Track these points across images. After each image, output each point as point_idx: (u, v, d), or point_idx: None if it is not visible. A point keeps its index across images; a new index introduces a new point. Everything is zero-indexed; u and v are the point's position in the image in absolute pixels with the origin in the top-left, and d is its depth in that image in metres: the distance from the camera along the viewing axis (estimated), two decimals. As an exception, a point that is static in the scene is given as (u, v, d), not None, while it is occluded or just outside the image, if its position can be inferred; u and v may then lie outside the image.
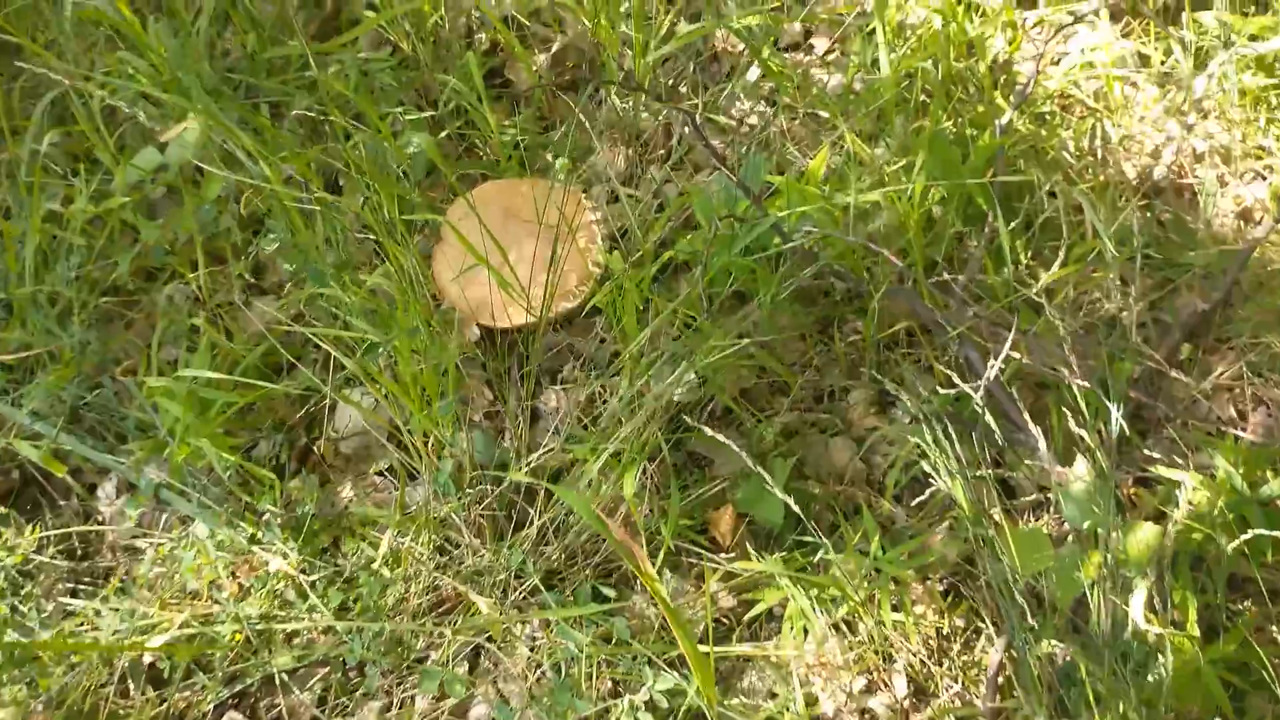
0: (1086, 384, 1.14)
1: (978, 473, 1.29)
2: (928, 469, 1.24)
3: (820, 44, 1.91)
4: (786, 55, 1.87)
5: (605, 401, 1.44)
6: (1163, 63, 1.70)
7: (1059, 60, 1.74)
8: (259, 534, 1.25)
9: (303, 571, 1.22)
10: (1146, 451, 1.33)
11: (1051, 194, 1.52)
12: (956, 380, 1.15)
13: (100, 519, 1.39)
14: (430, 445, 1.29)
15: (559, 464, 1.36)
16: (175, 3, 1.63)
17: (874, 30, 1.64)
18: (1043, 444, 1.14)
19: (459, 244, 1.44)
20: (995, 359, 1.15)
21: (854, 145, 1.33)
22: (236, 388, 1.25)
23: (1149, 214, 1.63)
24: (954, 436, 1.26)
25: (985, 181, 1.43)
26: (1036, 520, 1.37)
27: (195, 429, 1.21)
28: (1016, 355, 1.22)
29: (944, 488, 1.26)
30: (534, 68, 1.76)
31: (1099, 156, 1.70)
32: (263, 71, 1.68)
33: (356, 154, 1.41)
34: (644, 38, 1.64)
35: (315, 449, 1.40)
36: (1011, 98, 1.61)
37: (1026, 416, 1.16)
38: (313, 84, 1.73)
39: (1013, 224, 1.47)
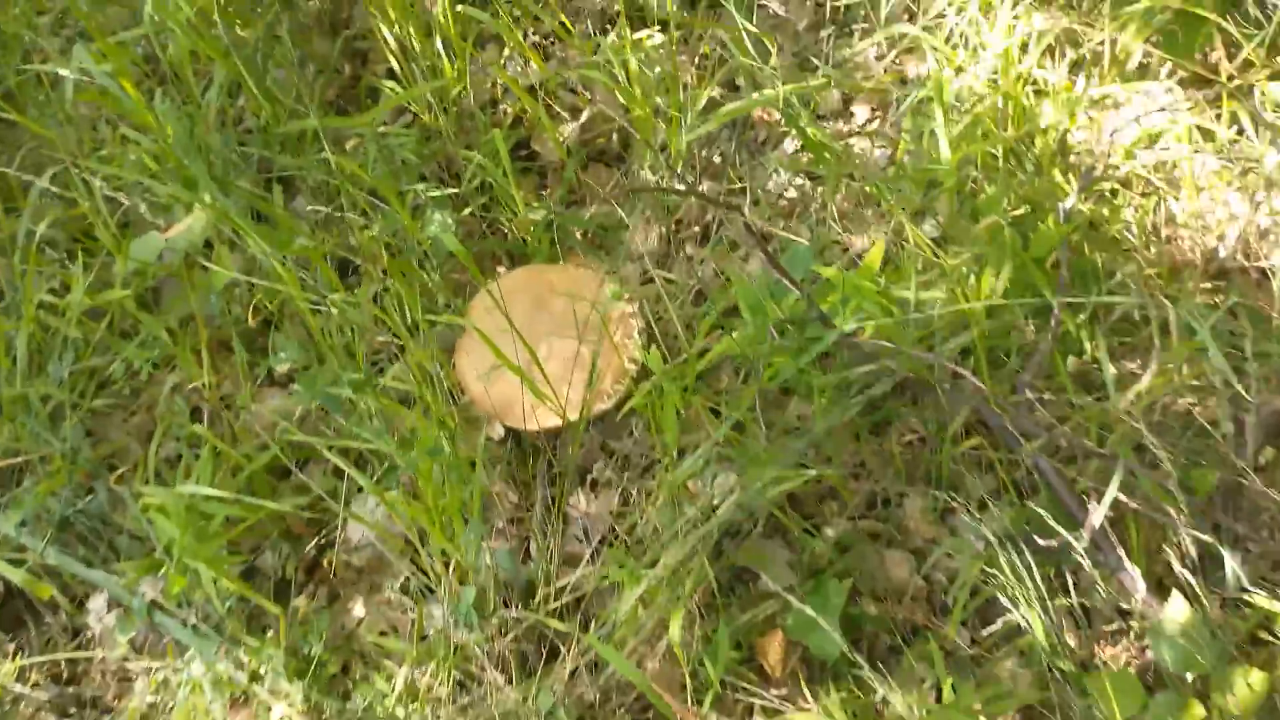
0: (1202, 535, 1.02)
1: (1056, 600, 1.18)
2: (1004, 600, 1.12)
3: (861, 112, 1.82)
4: (824, 124, 1.77)
5: (641, 510, 1.33)
6: (1235, 139, 1.59)
7: (1116, 132, 1.63)
8: (260, 667, 1.13)
9: (308, 717, 1.10)
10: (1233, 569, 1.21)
11: (1122, 283, 1.41)
12: (1052, 523, 1.03)
13: (90, 636, 1.27)
14: (452, 568, 1.17)
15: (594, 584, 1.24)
16: (184, 71, 1.54)
17: (920, 101, 1.54)
18: (1140, 584, 1.02)
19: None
20: (1099, 503, 1.04)
21: (913, 235, 1.22)
22: (239, 500, 1.14)
23: (1216, 300, 1.52)
24: (1031, 563, 1.15)
25: (1049, 270, 1.32)
26: (1114, 646, 1.25)
27: (193, 550, 1.10)
28: (1124, 499, 1.09)
29: (1023, 624, 1.14)
30: (561, 140, 1.67)
31: (1163, 237, 1.59)
32: (276, 145, 1.59)
33: (373, 242, 1.31)
34: (680, 114, 1.54)
35: (325, 562, 1.29)
36: (1074, 178, 1.50)
37: (1122, 553, 1.04)
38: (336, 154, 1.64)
39: (1080, 316, 1.36)
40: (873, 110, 1.82)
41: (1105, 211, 1.54)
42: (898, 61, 1.82)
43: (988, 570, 1.20)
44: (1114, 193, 1.58)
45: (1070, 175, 1.52)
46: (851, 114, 1.81)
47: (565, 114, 1.76)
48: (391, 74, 1.68)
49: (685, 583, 1.10)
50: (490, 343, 1.16)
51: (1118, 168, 1.55)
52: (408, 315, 1.21)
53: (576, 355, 1.28)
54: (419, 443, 1.04)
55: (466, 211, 1.60)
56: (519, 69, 1.79)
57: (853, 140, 1.74)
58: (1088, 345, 1.38)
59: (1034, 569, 1.15)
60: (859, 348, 1.22)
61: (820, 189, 1.66)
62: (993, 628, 1.19)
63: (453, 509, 1.11)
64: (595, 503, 1.37)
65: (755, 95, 1.54)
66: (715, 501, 1.16)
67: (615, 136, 1.75)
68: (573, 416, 1.25)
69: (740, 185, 1.65)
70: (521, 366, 1.25)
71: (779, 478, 1.13)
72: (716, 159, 1.73)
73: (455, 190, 1.57)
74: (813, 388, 1.21)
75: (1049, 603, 1.15)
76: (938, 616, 1.32)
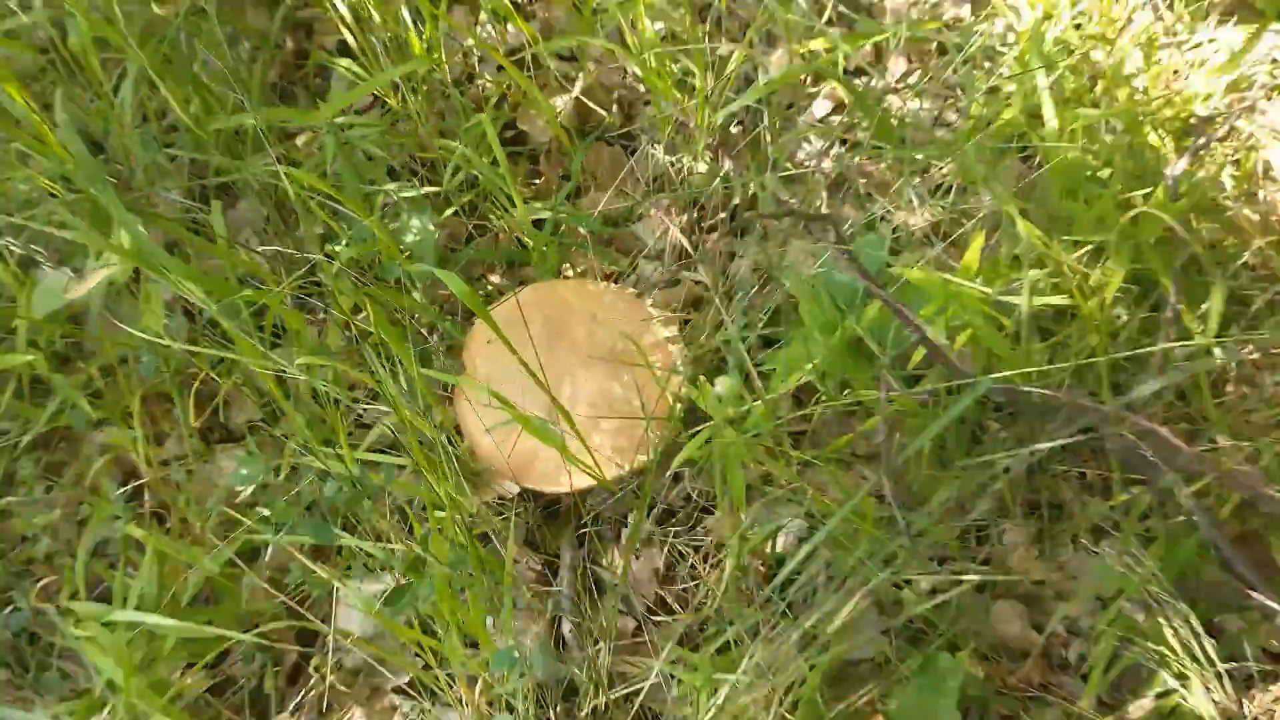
0: None
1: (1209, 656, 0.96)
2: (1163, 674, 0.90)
3: (896, 66, 1.56)
4: (854, 80, 1.52)
5: (695, 574, 1.09)
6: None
7: (1193, 70, 1.39)
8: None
9: None
10: None
11: (1245, 265, 1.18)
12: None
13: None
14: (478, 690, 0.93)
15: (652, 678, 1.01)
16: (90, 61, 1.25)
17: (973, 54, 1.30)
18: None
19: (488, 373, 1.08)
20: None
21: (1021, 224, 0.98)
22: (191, 627, 0.89)
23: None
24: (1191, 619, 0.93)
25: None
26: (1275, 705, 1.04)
27: (141, 691, 0.84)
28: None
29: (1188, 703, 0.93)
30: (555, 115, 1.40)
31: (1263, 198, 1.36)
32: (211, 144, 1.31)
33: (339, 277, 1.04)
34: (705, 83, 1.28)
35: (310, 667, 1.04)
36: (1168, 137, 1.27)
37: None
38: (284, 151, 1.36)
39: (1203, 308, 1.13)
40: (910, 62, 1.56)
41: (1201, 173, 1.31)
42: (934, 5, 1.57)
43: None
44: (1212, 149, 1.35)
45: (1163, 133, 1.29)
46: (884, 68, 1.56)
47: (555, 85, 1.49)
48: (345, 49, 1.40)
49: (777, 692, 0.87)
50: (504, 402, 0.91)
51: (1225, 123, 1.31)
52: (391, 362, 0.95)
53: (607, 393, 1.03)
54: (431, 550, 0.79)
55: (449, 212, 1.33)
56: (495, 34, 1.51)
57: (890, 100, 1.49)
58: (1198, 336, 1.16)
59: (1193, 623, 0.94)
60: (1023, 398, 0.96)
61: (861, 159, 1.42)
62: (1141, 703, 0.98)
63: (475, 624, 0.87)
64: (636, 564, 1.13)
65: (799, 52, 1.28)
66: (797, 574, 0.93)
67: (616, 110, 1.48)
68: (609, 473, 1.01)
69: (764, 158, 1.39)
70: (542, 414, 1.00)
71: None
72: (734, 129, 1.47)
73: (435, 188, 1.30)
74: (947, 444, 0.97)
75: (1213, 664, 0.94)
76: (1056, 670, 1.11)
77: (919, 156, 1.31)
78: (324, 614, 1.04)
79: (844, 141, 1.48)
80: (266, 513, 0.97)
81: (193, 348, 0.83)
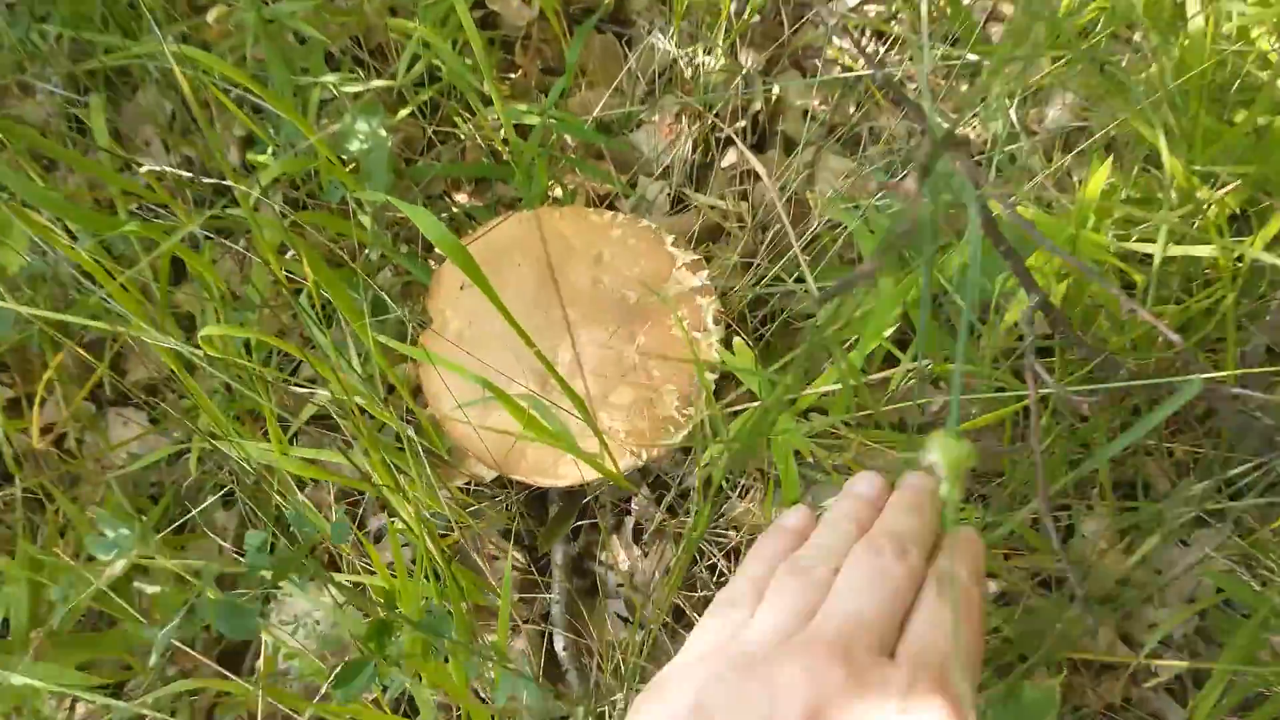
0: None
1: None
2: None
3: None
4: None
5: (717, 576, 0.89)
6: None
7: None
8: None
9: None
10: None
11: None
12: None
13: None
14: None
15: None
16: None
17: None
18: None
19: (460, 330, 0.84)
20: None
21: (1161, 149, 0.76)
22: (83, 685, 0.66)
23: None
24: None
25: None
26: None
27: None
28: None
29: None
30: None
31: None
32: (96, 21, 1.02)
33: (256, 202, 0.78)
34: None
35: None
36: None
37: None
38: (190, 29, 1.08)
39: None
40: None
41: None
42: None
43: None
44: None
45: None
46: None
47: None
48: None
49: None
50: (489, 385, 0.67)
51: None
52: (336, 320, 0.70)
53: (621, 359, 0.80)
54: (400, 599, 0.57)
55: (404, 113, 1.07)
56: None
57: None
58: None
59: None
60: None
61: (902, 54, 1.18)
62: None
63: (458, 693, 0.65)
64: (642, 561, 0.92)
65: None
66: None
67: (609, -12, 1.21)
68: (625, 463, 0.78)
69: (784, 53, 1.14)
70: (534, 387, 0.77)
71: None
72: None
73: (386, 82, 1.03)
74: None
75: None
76: (1138, 683, 0.94)
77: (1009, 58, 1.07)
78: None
79: (880, 35, 1.23)
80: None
81: (41, 313, 0.58)
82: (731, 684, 0.34)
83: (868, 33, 1.23)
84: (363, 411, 0.69)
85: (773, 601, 0.38)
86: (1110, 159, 0.77)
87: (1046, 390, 0.58)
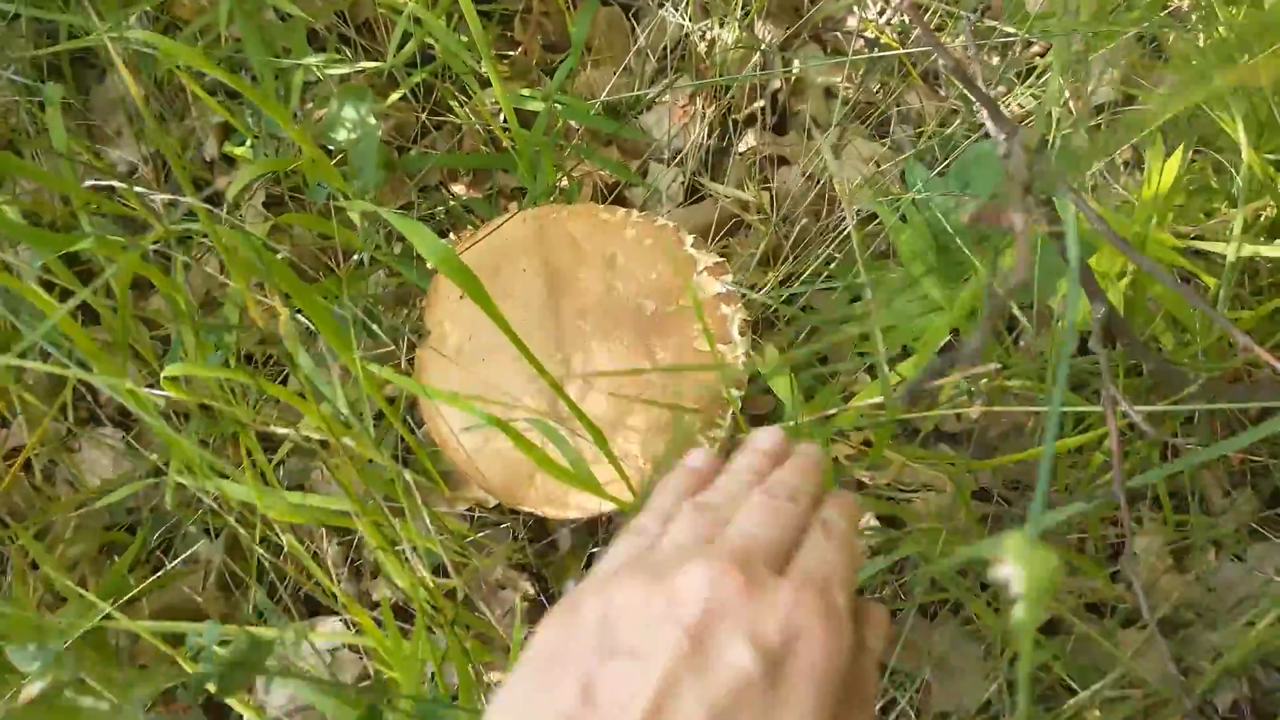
0: None
1: None
2: None
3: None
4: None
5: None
6: None
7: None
8: None
9: None
10: None
11: None
12: None
13: None
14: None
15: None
16: None
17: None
18: None
19: (460, 344, 0.77)
20: None
21: (1249, 154, 0.67)
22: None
23: None
24: None
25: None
26: None
27: None
28: None
29: None
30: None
31: None
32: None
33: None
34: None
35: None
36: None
37: None
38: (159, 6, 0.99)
39: None
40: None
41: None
42: None
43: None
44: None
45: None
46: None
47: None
48: None
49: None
50: (492, 418, 0.59)
51: None
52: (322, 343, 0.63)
53: (637, 376, 0.72)
54: (391, 699, 0.50)
55: (395, 97, 0.98)
56: None
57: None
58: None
59: None
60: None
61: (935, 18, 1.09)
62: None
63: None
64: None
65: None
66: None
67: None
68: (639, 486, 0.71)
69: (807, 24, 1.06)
70: (541, 409, 0.70)
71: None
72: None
73: (375, 63, 0.94)
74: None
75: None
76: (1193, 714, 0.87)
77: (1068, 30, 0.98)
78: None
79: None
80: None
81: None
82: (636, 590, 0.37)
83: (894, 2, 1.14)
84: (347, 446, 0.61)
85: (680, 526, 0.42)
86: (1181, 147, 0.69)
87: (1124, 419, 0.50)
